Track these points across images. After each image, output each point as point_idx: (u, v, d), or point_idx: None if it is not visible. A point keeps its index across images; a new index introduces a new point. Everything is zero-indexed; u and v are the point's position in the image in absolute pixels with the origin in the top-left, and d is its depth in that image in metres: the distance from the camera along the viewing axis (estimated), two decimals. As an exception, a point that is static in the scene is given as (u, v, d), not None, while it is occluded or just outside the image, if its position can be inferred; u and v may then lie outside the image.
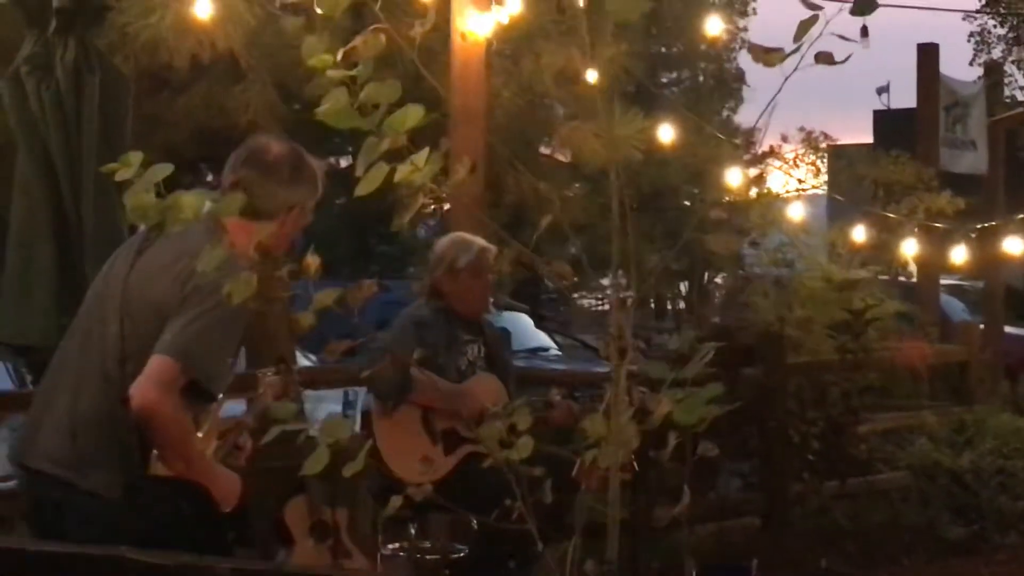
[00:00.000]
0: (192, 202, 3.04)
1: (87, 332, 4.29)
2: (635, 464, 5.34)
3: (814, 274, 10.49)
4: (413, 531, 6.21)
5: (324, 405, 10.18)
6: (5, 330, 6.36)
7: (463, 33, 7.67)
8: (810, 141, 15.49)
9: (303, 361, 11.63)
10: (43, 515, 4.22)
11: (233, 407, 8.18)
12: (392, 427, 6.30)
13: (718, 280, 12.12)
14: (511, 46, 8.41)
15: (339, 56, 2.92)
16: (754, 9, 21.74)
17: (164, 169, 3.05)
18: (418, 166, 2.75)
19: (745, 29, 32.65)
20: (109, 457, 4.12)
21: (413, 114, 2.74)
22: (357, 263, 32.12)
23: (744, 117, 33.42)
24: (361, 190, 2.81)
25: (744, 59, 33.92)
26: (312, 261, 3.13)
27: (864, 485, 9.16)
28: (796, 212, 9.82)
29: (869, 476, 9.24)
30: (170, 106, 8.42)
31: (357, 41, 3.08)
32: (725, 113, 32.96)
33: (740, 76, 34.70)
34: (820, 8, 3.10)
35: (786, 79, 3.02)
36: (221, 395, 4.40)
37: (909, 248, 9.83)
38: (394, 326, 6.56)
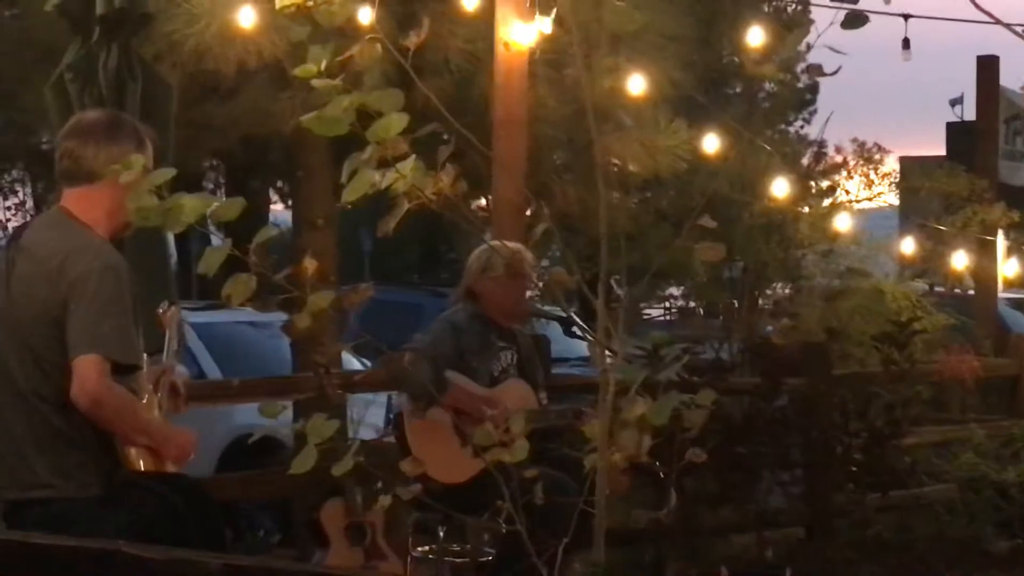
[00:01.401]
0: (193, 204, 3.13)
1: (2, 360, 4.45)
2: (659, 470, 5.42)
3: (864, 285, 10.48)
4: (442, 534, 6.29)
5: (373, 409, 10.24)
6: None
7: (506, 42, 7.74)
8: (863, 153, 15.45)
9: (355, 365, 11.74)
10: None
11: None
12: (423, 428, 6.38)
13: (768, 292, 12.12)
14: (557, 55, 8.46)
15: (317, 64, 2.98)
16: (811, 19, 21.70)
17: (166, 173, 3.14)
18: (403, 174, 2.81)
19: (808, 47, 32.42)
20: (70, 463, 4.33)
21: (396, 122, 2.81)
22: (426, 270, 32.29)
23: (820, 128, 33.16)
24: (348, 197, 2.89)
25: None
26: (309, 264, 3.20)
27: (908, 498, 9.12)
28: (849, 223, 9.81)
29: (913, 489, 9.20)
30: (217, 113, 8.53)
31: (354, 51, 3.16)
32: (800, 123, 32.74)
33: (813, 87, 34.46)
34: (812, 22, 3.14)
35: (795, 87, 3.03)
36: (145, 355, 4.59)
37: (960, 261, 9.79)
38: (430, 329, 6.66)
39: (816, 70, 3.15)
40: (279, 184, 21.10)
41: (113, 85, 6.21)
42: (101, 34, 6.22)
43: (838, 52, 3.14)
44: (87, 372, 4.21)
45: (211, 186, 23.93)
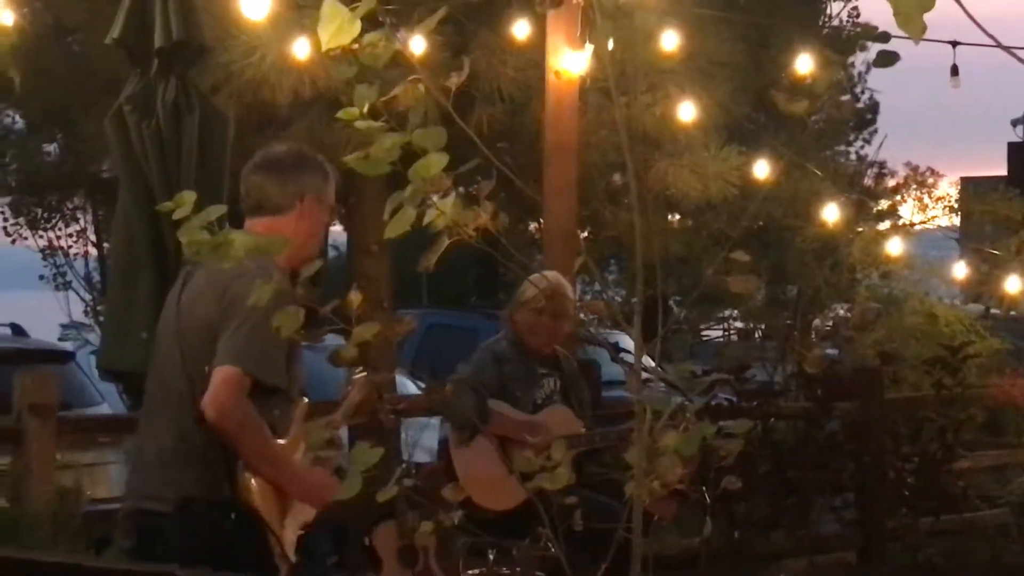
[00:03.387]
0: (242, 240, 3.23)
1: (160, 368, 4.56)
2: (706, 495, 5.48)
3: (917, 309, 10.49)
4: (492, 558, 6.35)
5: (428, 432, 10.32)
6: (106, 356, 6.66)
7: (557, 71, 7.86)
8: (917, 176, 15.46)
9: (411, 388, 11.82)
10: (148, 549, 4.41)
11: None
12: (469, 456, 6.47)
13: (821, 315, 12.19)
14: (607, 83, 8.54)
15: (360, 106, 3.08)
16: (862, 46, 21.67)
17: (218, 210, 3.25)
18: (443, 210, 2.91)
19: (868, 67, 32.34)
20: (193, 477, 4.36)
21: (437, 162, 2.91)
22: (483, 292, 32.38)
23: (887, 151, 32.94)
24: (390, 232, 2.99)
25: (881, 91, 33.62)
26: (355, 297, 3.30)
27: (961, 522, 9.12)
28: (901, 247, 9.84)
29: (966, 513, 9.19)
30: (273, 142, 8.67)
31: (397, 91, 3.26)
32: (860, 143, 32.58)
33: (874, 107, 34.32)
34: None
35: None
36: (305, 399, 4.61)
37: (1014, 284, 9.78)
38: (473, 358, 6.73)
39: (886, 58, 3.19)
40: (341, 209, 21.28)
41: (171, 117, 6.33)
42: (159, 66, 6.35)
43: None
44: (222, 382, 4.25)
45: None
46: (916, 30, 2.75)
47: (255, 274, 4.23)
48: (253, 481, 4.37)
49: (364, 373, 5.04)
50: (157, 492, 4.41)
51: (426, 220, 3.01)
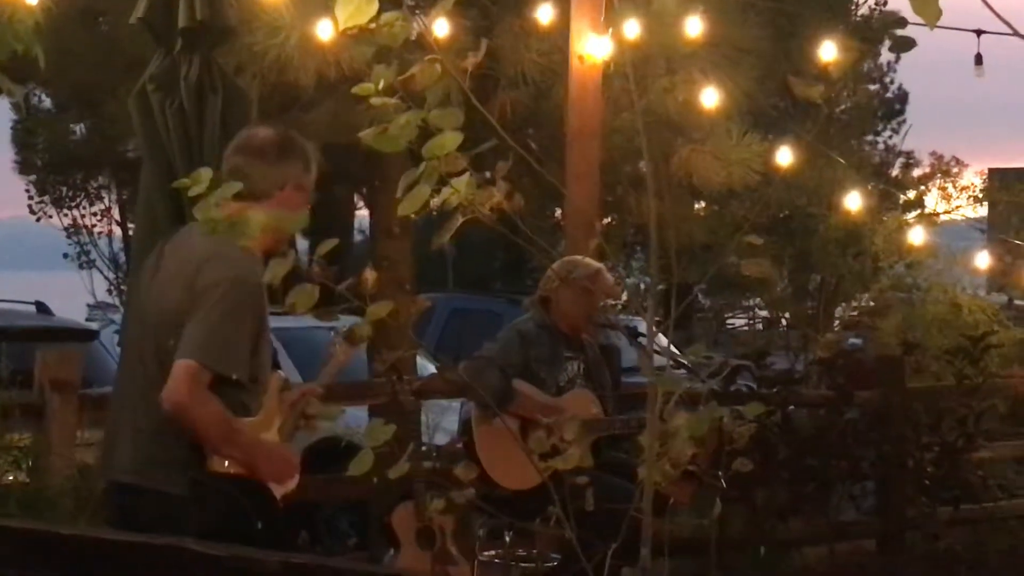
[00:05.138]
0: (258, 217, 3.25)
1: (132, 350, 4.67)
2: (722, 480, 5.48)
3: (940, 299, 10.47)
4: (508, 539, 6.39)
5: (449, 415, 10.35)
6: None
7: (581, 56, 7.86)
8: (941, 166, 15.37)
9: (432, 371, 11.83)
10: (123, 522, 4.51)
11: (352, 413, 8.41)
12: (492, 434, 6.50)
13: (844, 304, 12.17)
14: (633, 69, 8.54)
15: (376, 83, 3.09)
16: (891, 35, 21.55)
17: (234, 187, 3.27)
18: (457, 189, 2.92)
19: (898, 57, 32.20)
20: (169, 458, 4.44)
21: (451, 140, 2.92)
22: (509, 277, 32.39)
23: (914, 140, 32.85)
24: (403, 210, 3.00)
25: (907, 81, 33.49)
26: (370, 275, 3.32)
27: (981, 512, 9.11)
28: (924, 237, 9.80)
29: (986, 503, 9.18)
30: (297, 123, 8.69)
31: (414, 70, 3.27)
32: (888, 134, 32.49)
33: (902, 97, 34.20)
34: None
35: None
36: (282, 373, 4.68)
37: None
38: (499, 338, 6.78)
39: (902, 43, 3.20)
40: (364, 191, 21.32)
41: (194, 97, 6.34)
42: (183, 46, 6.36)
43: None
44: (180, 376, 4.31)
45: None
46: (931, 15, 2.76)
47: (224, 258, 4.30)
48: (220, 461, 4.45)
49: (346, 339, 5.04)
50: (137, 468, 4.49)
51: (440, 198, 3.02)
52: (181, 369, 4.31)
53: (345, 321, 3.66)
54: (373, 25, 3.21)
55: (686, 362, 4.92)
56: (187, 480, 4.38)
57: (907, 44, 3.24)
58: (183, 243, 4.59)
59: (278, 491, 4.61)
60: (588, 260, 6.83)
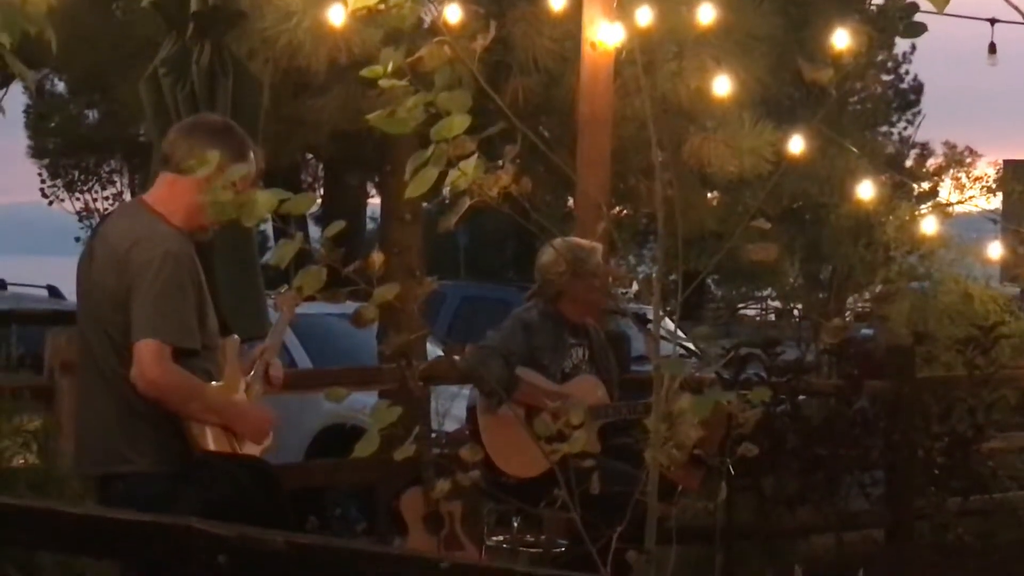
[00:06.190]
0: (266, 198, 3.25)
1: (83, 342, 4.75)
2: (731, 467, 5.48)
3: (951, 289, 10.45)
4: (516, 525, 6.40)
5: (458, 402, 10.35)
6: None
7: (592, 42, 7.84)
8: (954, 156, 15.35)
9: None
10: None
11: (361, 398, 8.43)
12: (496, 423, 6.50)
13: (856, 294, 12.15)
14: (644, 56, 8.52)
15: (384, 66, 3.09)
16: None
17: (240, 169, 3.27)
18: (465, 171, 2.92)
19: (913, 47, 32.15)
20: (146, 439, 4.55)
21: (459, 123, 2.92)
22: (521, 266, 32.40)
23: (929, 131, 32.83)
24: (411, 192, 3.00)
25: (922, 72, 33.44)
26: (377, 257, 3.32)
27: (990, 502, 9.10)
28: (936, 227, 9.80)
29: (995, 493, 9.16)
30: (309, 108, 8.69)
31: (421, 52, 3.27)
32: (903, 125, 32.43)
33: (917, 88, 34.14)
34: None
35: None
36: (236, 336, 4.77)
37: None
38: (502, 326, 6.77)
39: (913, 29, 3.19)
40: (376, 178, 21.34)
41: (205, 81, 6.37)
42: (195, 30, 6.39)
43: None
44: (144, 356, 4.42)
45: (309, 179, 24.20)
46: (940, 1, 2.75)
47: (151, 237, 4.39)
48: (205, 429, 4.57)
49: (289, 291, 5.09)
50: (107, 458, 4.60)
51: (448, 181, 3.02)
52: (143, 349, 4.43)
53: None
54: (383, 7, 3.20)
55: (694, 348, 4.92)
56: (174, 459, 4.47)
57: (918, 29, 3.24)
58: (111, 230, 4.71)
59: (256, 449, 4.73)
60: (589, 244, 6.77)
